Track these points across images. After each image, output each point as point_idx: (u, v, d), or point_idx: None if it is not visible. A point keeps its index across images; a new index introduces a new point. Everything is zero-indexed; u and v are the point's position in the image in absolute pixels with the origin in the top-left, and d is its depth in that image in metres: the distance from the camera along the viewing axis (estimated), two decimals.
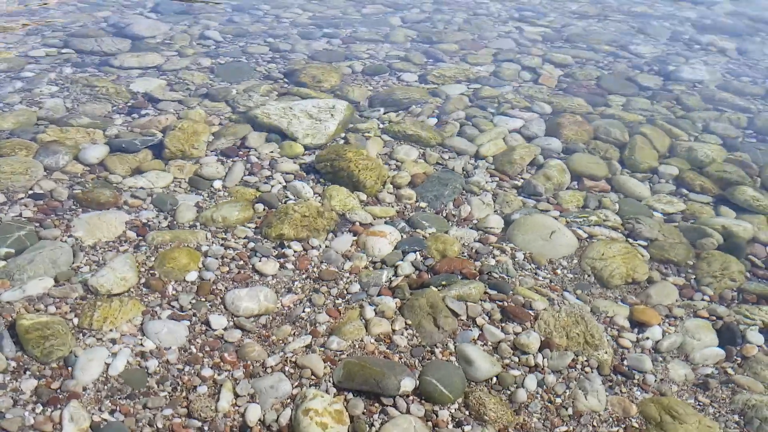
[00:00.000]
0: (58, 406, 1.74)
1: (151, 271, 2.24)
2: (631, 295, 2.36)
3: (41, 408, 1.73)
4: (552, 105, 3.77)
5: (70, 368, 1.85)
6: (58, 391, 1.78)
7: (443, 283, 2.28)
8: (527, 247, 2.53)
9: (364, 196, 2.78)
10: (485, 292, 2.26)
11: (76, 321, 2.00)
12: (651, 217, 2.80)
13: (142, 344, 1.96)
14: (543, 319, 2.16)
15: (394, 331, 2.09)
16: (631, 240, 2.63)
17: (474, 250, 2.51)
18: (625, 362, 2.06)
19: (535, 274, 2.41)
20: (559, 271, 2.44)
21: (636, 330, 2.20)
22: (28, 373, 1.82)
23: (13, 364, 1.84)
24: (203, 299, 2.16)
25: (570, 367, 2.01)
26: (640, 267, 2.44)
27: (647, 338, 2.16)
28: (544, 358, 2.03)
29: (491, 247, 2.53)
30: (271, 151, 3.05)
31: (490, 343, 2.08)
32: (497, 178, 3.02)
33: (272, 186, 2.79)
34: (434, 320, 2.12)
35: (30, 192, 2.57)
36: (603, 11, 6.02)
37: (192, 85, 3.70)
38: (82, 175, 2.73)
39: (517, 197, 2.87)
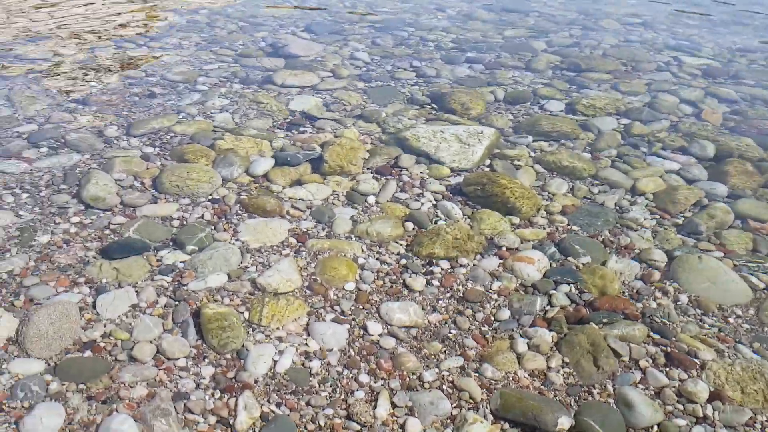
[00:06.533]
0: (233, 394, 1.87)
1: (313, 277, 2.37)
2: None
3: (219, 394, 1.88)
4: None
5: (242, 360, 1.99)
6: (233, 380, 1.92)
7: (604, 320, 2.20)
8: (692, 289, 2.39)
9: (516, 220, 2.78)
10: (648, 335, 2.17)
11: (246, 315, 2.16)
12: None
13: (306, 344, 2.07)
14: (712, 369, 2.02)
15: (549, 368, 2.05)
16: None
17: (635, 290, 2.41)
18: None
19: (701, 320, 2.26)
20: (732, 320, 2.28)
21: None
22: (206, 360, 1.98)
23: (194, 351, 2.01)
24: (361, 307, 2.25)
25: (747, 425, 1.86)
26: None
27: None
28: (714, 410, 1.90)
29: (653, 287, 2.42)
30: (421, 172, 3.13)
31: (652, 387, 1.98)
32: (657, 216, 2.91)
33: (422, 204, 2.86)
34: (594, 360, 2.05)
35: (209, 197, 2.82)
36: None
37: (347, 105, 3.89)
38: (248, 184, 2.95)
39: (676, 235, 2.74)
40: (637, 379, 2.00)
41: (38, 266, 2.29)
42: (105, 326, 2.06)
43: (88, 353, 1.96)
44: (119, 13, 5.61)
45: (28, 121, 3.38)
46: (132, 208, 2.67)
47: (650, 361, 2.07)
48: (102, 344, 1.99)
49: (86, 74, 4.08)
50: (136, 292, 2.20)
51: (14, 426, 1.71)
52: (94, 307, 2.13)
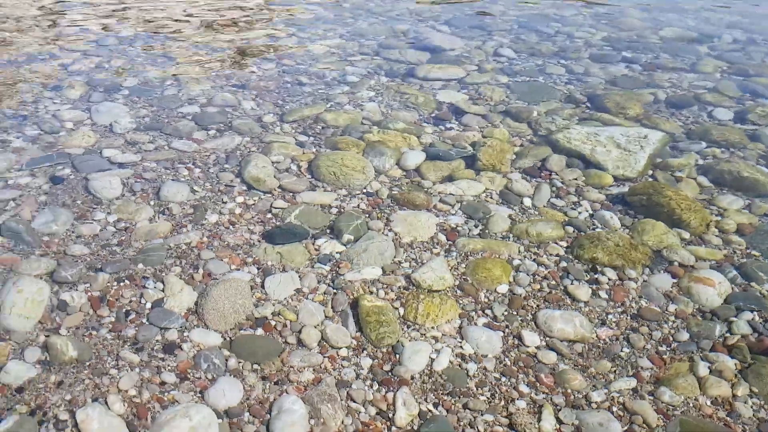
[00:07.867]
0: (391, 387, 1.86)
1: (464, 277, 2.31)
2: None
3: (377, 386, 1.87)
4: None
5: (397, 355, 1.97)
6: (390, 373, 1.91)
7: None
8: None
9: (686, 235, 2.57)
10: None
11: (401, 311, 2.14)
12: None
13: (461, 347, 2.02)
14: None
15: (735, 396, 1.86)
16: None
17: None
18: None
19: None
20: None
21: None
22: (365, 352, 1.99)
23: (354, 342, 2.02)
24: (515, 313, 2.16)
25: None
26: None
27: None
28: None
29: None
30: (575, 178, 2.97)
31: None
32: None
33: (579, 213, 2.72)
34: None
35: (364, 190, 2.82)
36: None
37: (491, 101, 3.79)
38: (399, 178, 2.93)
39: None
40: None
41: (211, 242, 2.41)
42: (273, 305, 2.13)
43: (260, 331, 2.03)
44: (269, 7, 5.85)
45: (191, 102, 3.58)
46: (291, 193, 2.75)
47: None
48: (272, 323, 2.06)
49: (243, 59, 4.28)
50: (299, 277, 2.26)
51: (200, 395, 1.81)
52: (262, 286, 2.21)
